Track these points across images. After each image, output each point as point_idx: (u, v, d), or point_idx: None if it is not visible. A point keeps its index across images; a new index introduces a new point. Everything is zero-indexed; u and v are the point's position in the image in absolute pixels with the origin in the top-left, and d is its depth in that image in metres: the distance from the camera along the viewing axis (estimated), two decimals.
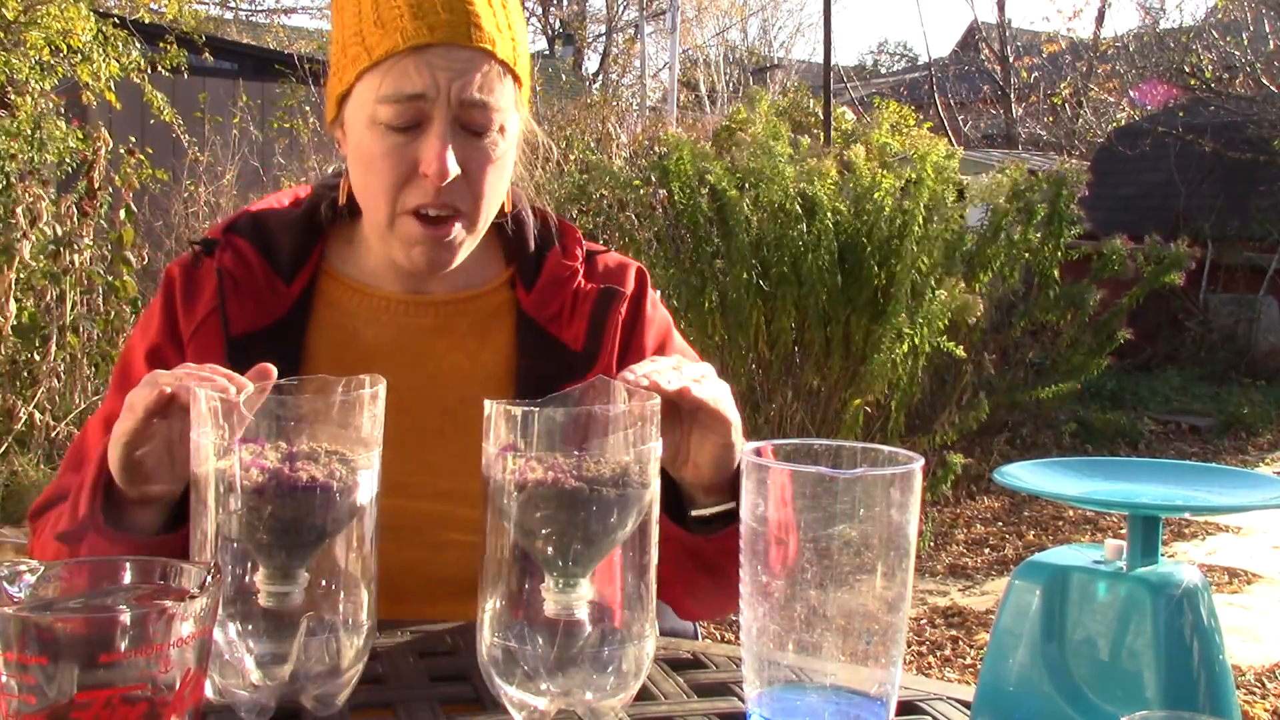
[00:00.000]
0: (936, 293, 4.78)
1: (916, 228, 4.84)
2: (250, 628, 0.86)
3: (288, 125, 8.17)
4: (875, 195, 4.86)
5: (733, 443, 1.05)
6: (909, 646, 3.91)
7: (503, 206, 1.28)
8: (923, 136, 5.16)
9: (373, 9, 1.15)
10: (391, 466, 0.94)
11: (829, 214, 4.84)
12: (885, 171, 4.97)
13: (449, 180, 1.14)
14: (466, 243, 1.22)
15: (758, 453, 0.83)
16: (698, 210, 5.02)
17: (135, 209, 5.16)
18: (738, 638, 0.86)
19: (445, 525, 1.21)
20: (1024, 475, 0.88)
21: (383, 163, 1.16)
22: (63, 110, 5.90)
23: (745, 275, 4.83)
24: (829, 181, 4.93)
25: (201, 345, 1.21)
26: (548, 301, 1.29)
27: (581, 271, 1.31)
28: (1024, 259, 5.81)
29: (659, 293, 1.39)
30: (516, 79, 1.20)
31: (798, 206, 4.82)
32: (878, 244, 4.84)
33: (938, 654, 3.97)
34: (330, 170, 1.35)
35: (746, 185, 4.90)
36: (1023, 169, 5.69)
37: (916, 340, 4.75)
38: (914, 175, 4.97)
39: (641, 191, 5.45)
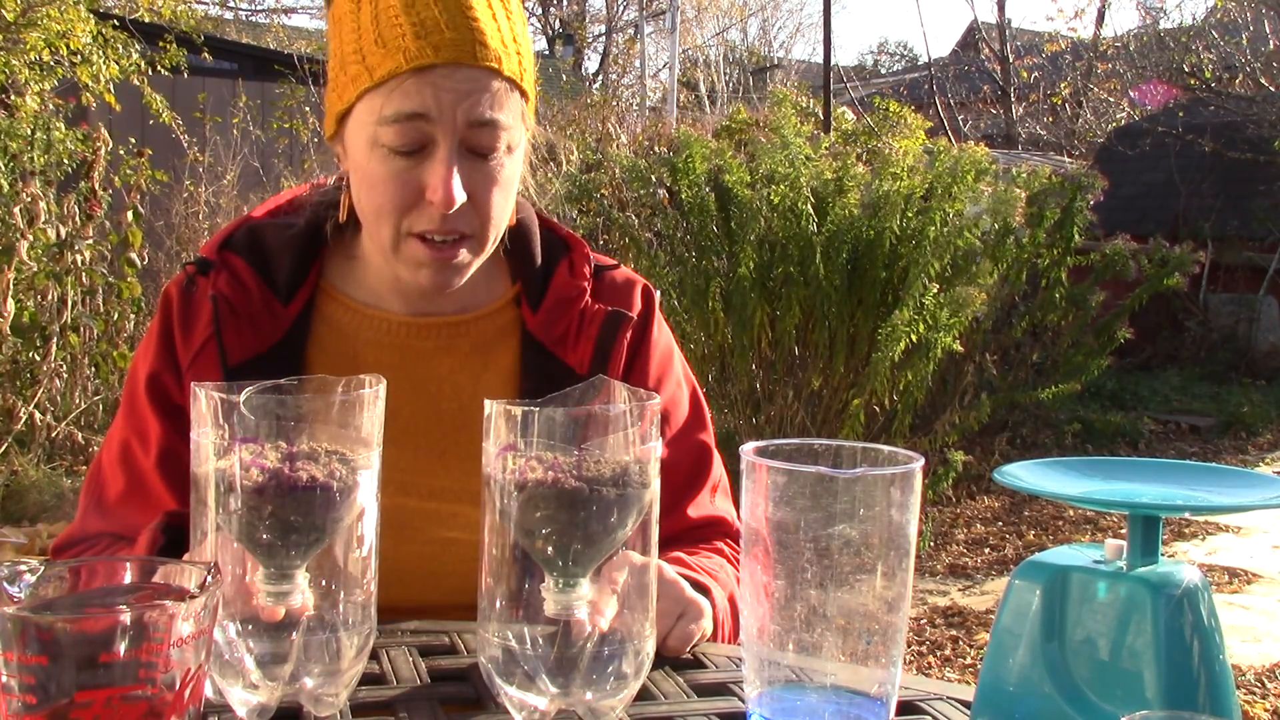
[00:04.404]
0: (929, 288, 4.77)
1: (933, 230, 4.83)
2: (250, 628, 0.86)
3: (288, 125, 8.18)
4: (894, 199, 4.86)
5: (706, 632, 1.10)
6: (909, 646, 3.91)
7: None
8: (968, 149, 5.17)
9: (373, 26, 1.11)
10: (392, 466, 0.94)
11: (841, 212, 4.84)
12: (910, 174, 4.97)
13: (456, 208, 1.12)
14: (473, 264, 1.20)
15: (758, 452, 0.83)
16: (705, 209, 5.01)
17: (142, 211, 5.17)
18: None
19: (445, 524, 1.21)
20: (1024, 475, 0.88)
21: (387, 187, 1.13)
22: (62, 111, 5.90)
23: (751, 274, 4.83)
24: (856, 182, 4.93)
25: (199, 375, 1.18)
26: (554, 323, 1.27)
27: (589, 290, 1.28)
28: (1031, 261, 5.81)
29: (660, 293, 1.38)
30: (524, 94, 1.17)
31: (809, 206, 4.82)
32: (890, 245, 4.84)
33: (938, 654, 3.97)
34: (332, 180, 1.33)
35: (758, 185, 4.89)
36: (1041, 176, 5.67)
37: (914, 338, 4.75)
38: (945, 182, 4.97)
39: (643, 193, 5.45)
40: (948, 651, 3.98)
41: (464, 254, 1.17)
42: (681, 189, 5.06)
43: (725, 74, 18.68)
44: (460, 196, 1.11)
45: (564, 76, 15.60)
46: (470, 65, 1.11)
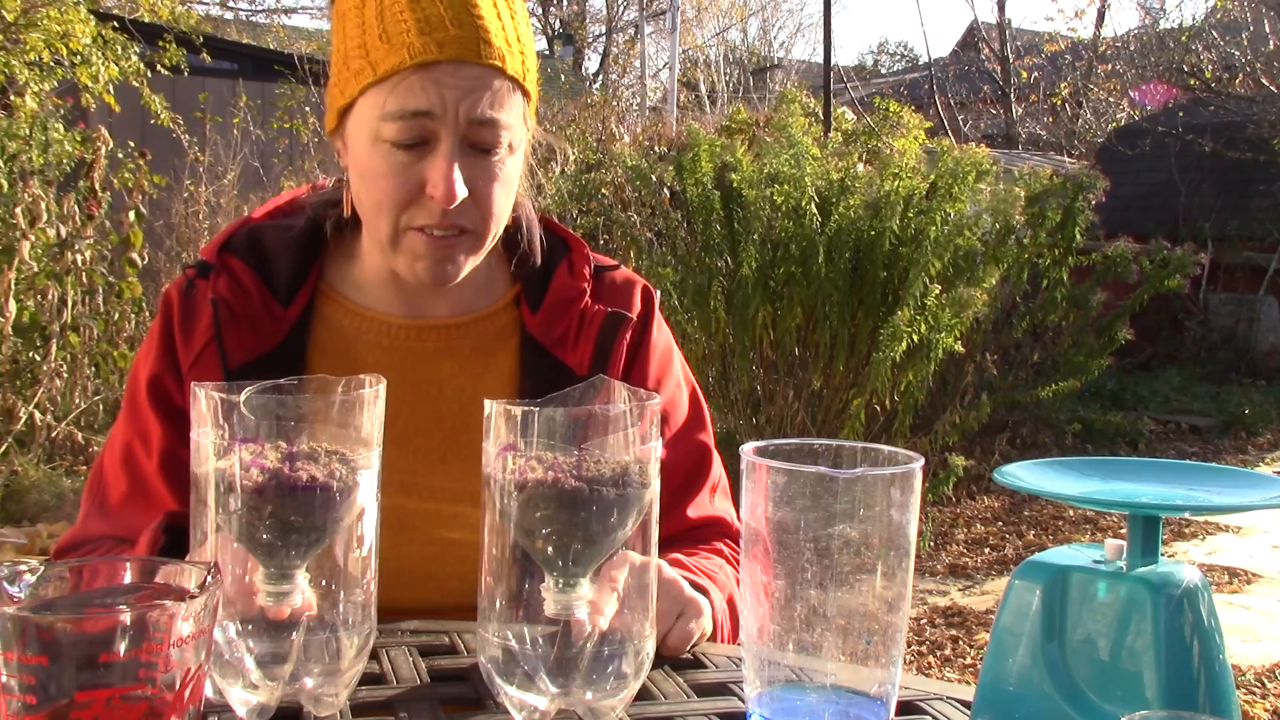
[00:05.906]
0: (931, 288, 4.77)
1: (934, 229, 4.83)
2: (250, 628, 0.86)
3: (288, 126, 8.17)
4: (894, 199, 4.85)
5: (705, 631, 1.10)
6: (909, 646, 3.91)
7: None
8: (969, 150, 5.16)
9: (377, 21, 1.12)
10: (392, 467, 0.94)
11: (845, 212, 4.83)
12: (912, 174, 4.97)
13: (457, 204, 1.12)
14: (471, 260, 1.20)
15: (758, 452, 0.83)
16: (710, 207, 5.01)
17: (144, 211, 5.17)
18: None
19: (446, 525, 1.21)
20: (1024, 475, 0.88)
21: (388, 181, 1.13)
22: (63, 112, 5.90)
23: (753, 274, 4.82)
24: (861, 182, 4.93)
25: (199, 378, 1.18)
26: (554, 323, 1.27)
27: (589, 290, 1.28)
28: (1032, 262, 5.81)
29: (660, 293, 1.38)
30: (526, 93, 1.17)
31: (813, 207, 4.82)
32: (890, 245, 4.84)
33: (938, 654, 3.97)
34: (331, 181, 1.33)
35: (761, 184, 4.89)
36: (1042, 178, 5.67)
37: (916, 338, 4.74)
38: (946, 182, 4.96)
39: (644, 192, 5.45)
40: (948, 651, 3.98)
41: (463, 249, 1.18)
42: (687, 187, 5.06)
43: (725, 74, 18.68)
44: (461, 192, 1.12)
45: (564, 76, 15.59)
46: (474, 63, 1.11)
